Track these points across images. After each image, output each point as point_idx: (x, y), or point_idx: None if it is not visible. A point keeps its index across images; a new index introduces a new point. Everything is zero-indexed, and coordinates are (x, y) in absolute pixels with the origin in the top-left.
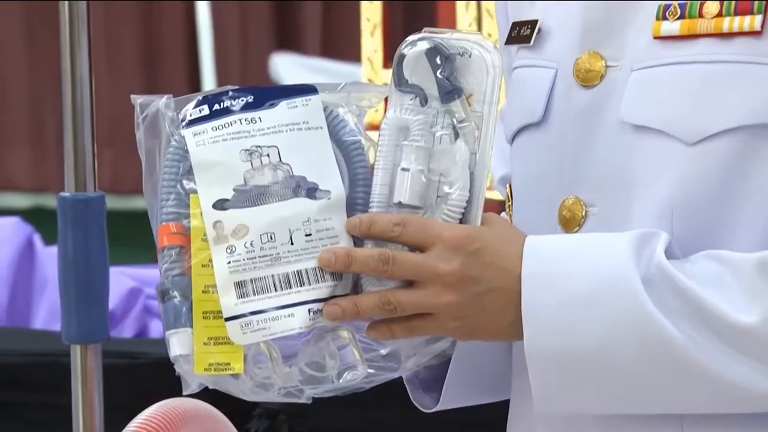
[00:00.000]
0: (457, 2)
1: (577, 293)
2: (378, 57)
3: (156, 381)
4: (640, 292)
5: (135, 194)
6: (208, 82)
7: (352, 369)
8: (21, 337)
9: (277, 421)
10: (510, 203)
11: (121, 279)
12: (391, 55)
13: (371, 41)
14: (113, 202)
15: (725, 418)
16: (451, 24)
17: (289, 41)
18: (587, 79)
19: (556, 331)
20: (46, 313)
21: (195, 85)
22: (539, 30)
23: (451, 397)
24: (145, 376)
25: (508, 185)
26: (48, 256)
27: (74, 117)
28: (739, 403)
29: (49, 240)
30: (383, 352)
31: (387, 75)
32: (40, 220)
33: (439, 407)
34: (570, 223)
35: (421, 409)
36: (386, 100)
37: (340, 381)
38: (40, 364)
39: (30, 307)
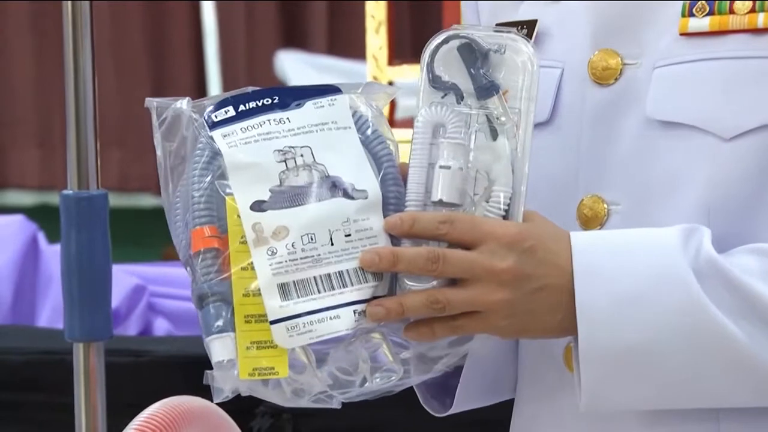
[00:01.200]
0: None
1: (630, 289)
2: (383, 54)
3: (160, 379)
4: (693, 286)
5: (141, 192)
6: (214, 80)
7: (386, 371)
8: (25, 335)
9: (281, 419)
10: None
11: (125, 277)
12: (396, 52)
13: (376, 38)
14: (120, 200)
15: (759, 410)
16: (456, 21)
17: (295, 38)
18: (604, 77)
19: (611, 328)
20: (51, 311)
21: (202, 83)
22: (538, 31)
23: (464, 400)
24: (148, 374)
25: None
26: (52, 254)
27: (77, 115)
28: None
29: (54, 238)
30: (409, 354)
31: (392, 72)
32: (46, 217)
33: (452, 411)
34: (592, 221)
35: (431, 413)
36: (392, 102)
37: (371, 384)
38: (44, 363)
39: (34, 305)
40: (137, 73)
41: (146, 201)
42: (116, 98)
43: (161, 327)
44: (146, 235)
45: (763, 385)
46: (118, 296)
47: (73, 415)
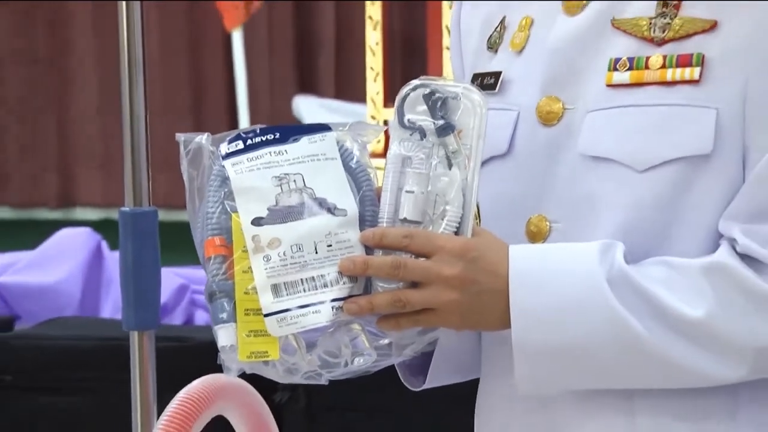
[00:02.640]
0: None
1: (555, 294)
2: (379, 98)
3: (200, 360)
4: (607, 292)
5: (184, 209)
6: (244, 118)
7: (363, 355)
8: (91, 325)
9: (296, 393)
10: (478, 220)
11: (172, 277)
12: (390, 97)
13: (374, 86)
14: (168, 215)
15: (671, 404)
16: (439, 72)
17: (309, 85)
18: (548, 119)
19: (539, 326)
20: (112, 306)
21: (233, 119)
22: (501, 81)
23: (434, 378)
24: (191, 356)
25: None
26: (113, 260)
27: (132, 145)
28: (687, 381)
29: (114, 247)
30: (386, 341)
31: (387, 113)
32: (108, 230)
33: (425, 386)
34: (537, 236)
35: (409, 387)
36: (386, 133)
37: (353, 365)
38: (107, 347)
39: (99, 301)
40: (181, 111)
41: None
42: (163, 131)
43: (201, 318)
44: (188, 244)
45: (664, 370)
46: (166, 293)
47: (129, 388)
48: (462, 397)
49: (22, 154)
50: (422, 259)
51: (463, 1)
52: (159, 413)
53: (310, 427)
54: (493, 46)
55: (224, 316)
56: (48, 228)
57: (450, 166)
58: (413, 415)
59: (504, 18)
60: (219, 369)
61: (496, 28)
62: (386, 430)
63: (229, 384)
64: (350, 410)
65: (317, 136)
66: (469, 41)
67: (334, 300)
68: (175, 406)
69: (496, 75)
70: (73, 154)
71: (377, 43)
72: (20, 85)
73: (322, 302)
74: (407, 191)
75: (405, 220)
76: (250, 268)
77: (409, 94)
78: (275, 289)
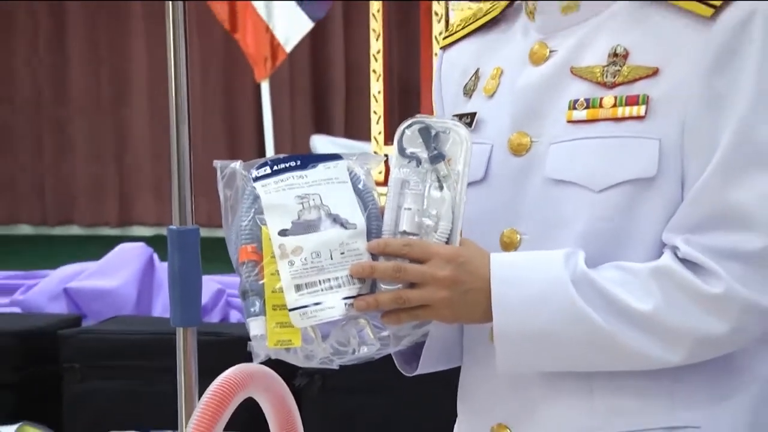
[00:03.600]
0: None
1: (529, 293)
2: (381, 137)
3: (233, 351)
4: (571, 290)
5: (221, 228)
6: (270, 150)
7: (368, 345)
8: (144, 322)
9: (313, 379)
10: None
11: (211, 283)
12: (389, 136)
13: (377, 127)
14: (207, 233)
15: (623, 385)
16: (430, 112)
17: (323, 125)
18: (518, 150)
19: (515, 317)
20: (161, 306)
21: (261, 151)
22: (477, 120)
23: (425, 365)
24: (226, 348)
25: None
26: (162, 269)
27: (179, 173)
28: (637, 365)
29: (164, 258)
30: (386, 333)
31: (387, 149)
32: (159, 244)
33: (417, 372)
34: (509, 245)
35: (403, 373)
36: (386, 164)
37: (359, 353)
38: (157, 340)
39: (151, 302)
40: (219, 144)
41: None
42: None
43: (234, 316)
44: (224, 256)
45: (618, 355)
46: (205, 296)
47: (175, 375)
48: (446, 379)
49: (89, 181)
50: (419, 264)
51: (444, 56)
52: (200, 395)
53: (324, 405)
54: (468, 92)
55: (255, 310)
56: (109, 243)
57: (441, 188)
58: (407, 393)
59: (478, 69)
60: (249, 359)
61: (471, 77)
62: (386, 406)
63: (258, 371)
64: (357, 391)
65: (331, 164)
66: (449, 88)
67: (345, 298)
68: (213, 389)
69: (472, 115)
70: (130, 182)
71: (379, 92)
72: (88, 126)
73: (336, 300)
74: (406, 208)
75: (404, 232)
76: (277, 271)
77: (407, 128)
78: (298, 288)
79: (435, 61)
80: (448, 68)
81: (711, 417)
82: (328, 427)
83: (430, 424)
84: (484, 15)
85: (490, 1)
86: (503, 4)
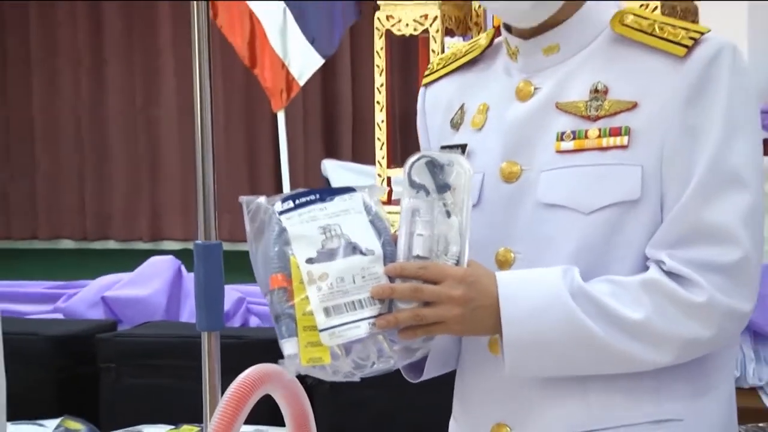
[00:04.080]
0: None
1: (532, 306)
2: (384, 161)
3: (252, 353)
4: (570, 302)
5: (243, 242)
6: (285, 172)
7: (385, 358)
8: (173, 327)
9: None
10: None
11: (232, 292)
12: (392, 160)
13: (381, 152)
14: (229, 247)
15: (614, 385)
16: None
17: (332, 151)
18: (509, 177)
19: (521, 328)
20: (188, 312)
21: (278, 173)
22: (467, 151)
23: (428, 372)
24: (246, 350)
25: None
26: (189, 279)
27: (204, 193)
28: (628, 367)
29: (190, 269)
30: (398, 347)
31: (390, 172)
32: (186, 257)
33: (420, 379)
34: (504, 264)
35: (408, 379)
36: (389, 182)
37: (377, 366)
38: (184, 343)
39: (179, 309)
40: (240, 167)
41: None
42: (227, 182)
43: (253, 322)
44: (245, 267)
45: (612, 359)
46: (228, 304)
47: (200, 373)
48: (439, 376)
49: (124, 201)
50: (433, 284)
51: (426, 93)
52: (222, 392)
53: (334, 400)
54: (455, 125)
55: (288, 332)
56: (142, 256)
57: (449, 215)
58: (405, 388)
59: (463, 104)
60: (265, 360)
61: (457, 111)
62: (386, 399)
63: (274, 371)
64: (361, 386)
65: (346, 196)
66: (434, 122)
67: (369, 318)
68: (234, 387)
69: (462, 146)
70: (160, 201)
71: (383, 121)
72: (124, 150)
73: (360, 319)
74: (418, 234)
75: (417, 256)
76: (306, 296)
77: (415, 162)
78: (326, 311)
79: None
80: (432, 103)
81: (693, 410)
82: (336, 419)
83: (424, 415)
84: (464, 55)
85: (469, 42)
86: (483, 45)
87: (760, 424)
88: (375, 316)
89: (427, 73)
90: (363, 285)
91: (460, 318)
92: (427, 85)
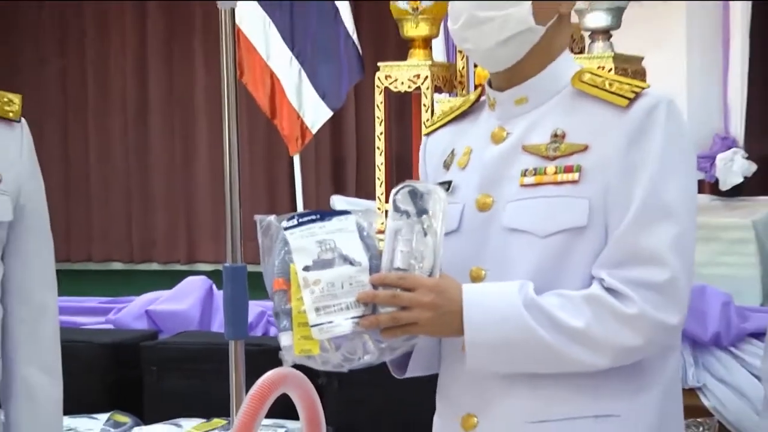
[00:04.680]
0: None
1: (491, 314)
2: (383, 197)
3: (272, 358)
4: (523, 312)
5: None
6: (300, 205)
7: (370, 354)
8: (205, 336)
9: (332, 377)
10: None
11: (255, 307)
12: (389, 196)
13: (380, 189)
14: (254, 268)
15: (560, 380)
16: (418, 179)
17: (339, 188)
18: (483, 207)
19: (481, 333)
20: (218, 324)
21: (294, 205)
22: (452, 186)
23: (411, 371)
24: (266, 355)
25: None
26: (219, 296)
27: (231, 223)
28: (572, 368)
29: (220, 288)
30: (383, 345)
31: (388, 206)
32: (216, 277)
33: (405, 376)
34: (476, 278)
35: (395, 375)
36: (386, 213)
37: (363, 360)
38: (215, 349)
39: (210, 321)
40: (261, 200)
41: None
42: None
43: (273, 332)
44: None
45: (558, 360)
46: (251, 316)
47: (228, 375)
48: (429, 379)
49: (165, 229)
50: (409, 292)
51: (428, 141)
52: (246, 390)
53: (341, 397)
54: (447, 166)
55: (285, 326)
56: (179, 276)
57: (425, 235)
58: (401, 387)
59: (453, 149)
60: (281, 365)
61: (448, 155)
62: (387, 397)
63: (290, 373)
64: (363, 385)
65: (342, 217)
66: (432, 164)
67: (353, 318)
68: (256, 386)
69: (449, 182)
70: (195, 230)
71: (382, 163)
72: (165, 185)
73: (345, 319)
74: (399, 250)
75: (398, 268)
76: (301, 297)
77: (399, 190)
78: (317, 310)
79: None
80: (432, 149)
81: (628, 407)
82: (343, 414)
83: (416, 411)
84: (458, 109)
85: (463, 99)
86: (472, 100)
87: (698, 419)
88: (359, 317)
89: (429, 124)
90: (350, 290)
91: (431, 321)
92: (428, 134)
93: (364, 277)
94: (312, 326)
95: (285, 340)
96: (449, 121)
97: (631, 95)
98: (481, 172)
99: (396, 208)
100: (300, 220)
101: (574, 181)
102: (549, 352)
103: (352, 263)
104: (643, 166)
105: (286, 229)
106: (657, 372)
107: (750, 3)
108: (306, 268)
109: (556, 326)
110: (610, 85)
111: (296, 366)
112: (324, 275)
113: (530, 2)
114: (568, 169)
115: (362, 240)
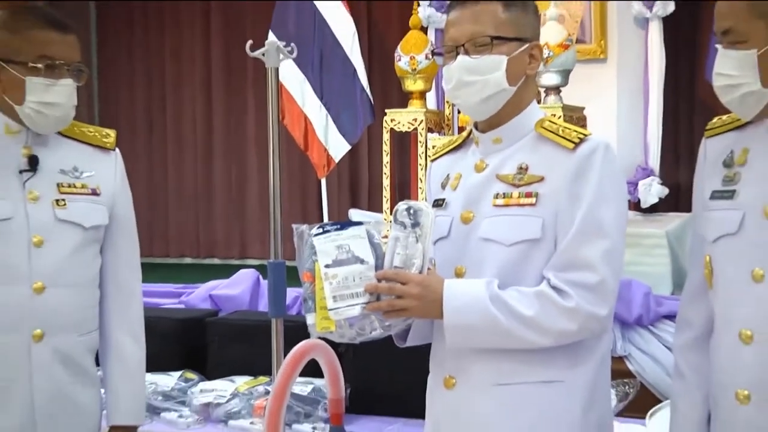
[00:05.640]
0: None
1: (464, 303)
2: (388, 212)
3: (304, 332)
4: (488, 302)
5: None
6: (326, 217)
7: (376, 330)
8: (254, 314)
9: (349, 347)
10: (433, 267)
11: (292, 292)
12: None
13: (386, 205)
14: (291, 263)
15: (516, 355)
16: (416, 199)
17: (355, 203)
18: (466, 221)
19: (456, 317)
20: (263, 305)
21: (321, 220)
22: (445, 203)
23: (411, 341)
24: (300, 330)
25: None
26: (264, 284)
27: (274, 227)
28: (526, 345)
29: (266, 278)
30: (387, 323)
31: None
32: (263, 270)
33: (405, 345)
34: (459, 275)
35: (397, 345)
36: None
37: (371, 335)
38: (261, 325)
39: (258, 303)
40: (296, 211)
41: None
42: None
43: None
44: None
45: (514, 340)
46: (288, 300)
47: (271, 344)
48: (426, 348)
49: (225, 230)
50: (402, 285)
51: (432, 167)
52: (284, 356)
53: (356, 363)
54: (443, 186)
55: (310, 307)
56: (234, 269)
57: (417, 241)
58: (404, 355)
59: (449, 174)
60: (311, 337)
61: (445, 178)
62: (392, 364)
63: (317, 343)
64: (373, 353)
65: (357, 227)
66: (433, 186)
67: (361, 303)
68: (292, 353)
69: (443, 199)
70: (247, 231)
71: (387, 186)
72: (224, 197)
73: (356, 305)
74: (397, 253)
75: (396, 267)
76: (323, 288)
77: (399, 207)
78: (334, 298)
79: (419, 169)
80: (434, 173)
81: (570, 375)
82: (359, 375)
83: (416, 375)
84: (454, 143)
85: (458, 136)
86: (464, 137)
87: (625, 380)
88: (366, 303)
89: (433, 154)
90: (360, 283)
91: (418, 307)
92: (433, 161)
93: (371, 273)
94: (330, 310)
95: (310, 319)
96: (448, 152)
97: (577, 140)
98: (466, 193)
99: (396, 221)
100: (324, 228)
101: (532, 204)
102: (507, 334)
103: (362, 262)
104: (584, 195)
105: (314, 235)
106: (593, 349)
107: (664, 63)
108: (327, 266)
109: (513, 314)
110: (563, 131)
111: (321, 338)
112: (340, 271)
113: (504, 69)
114: (528, 195)
115: (371, 244)
